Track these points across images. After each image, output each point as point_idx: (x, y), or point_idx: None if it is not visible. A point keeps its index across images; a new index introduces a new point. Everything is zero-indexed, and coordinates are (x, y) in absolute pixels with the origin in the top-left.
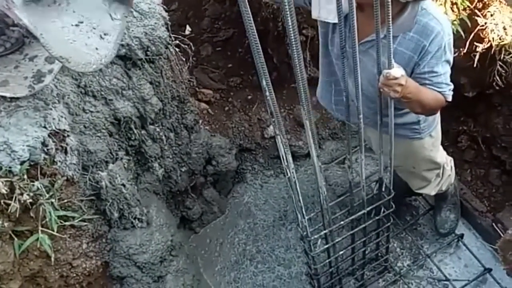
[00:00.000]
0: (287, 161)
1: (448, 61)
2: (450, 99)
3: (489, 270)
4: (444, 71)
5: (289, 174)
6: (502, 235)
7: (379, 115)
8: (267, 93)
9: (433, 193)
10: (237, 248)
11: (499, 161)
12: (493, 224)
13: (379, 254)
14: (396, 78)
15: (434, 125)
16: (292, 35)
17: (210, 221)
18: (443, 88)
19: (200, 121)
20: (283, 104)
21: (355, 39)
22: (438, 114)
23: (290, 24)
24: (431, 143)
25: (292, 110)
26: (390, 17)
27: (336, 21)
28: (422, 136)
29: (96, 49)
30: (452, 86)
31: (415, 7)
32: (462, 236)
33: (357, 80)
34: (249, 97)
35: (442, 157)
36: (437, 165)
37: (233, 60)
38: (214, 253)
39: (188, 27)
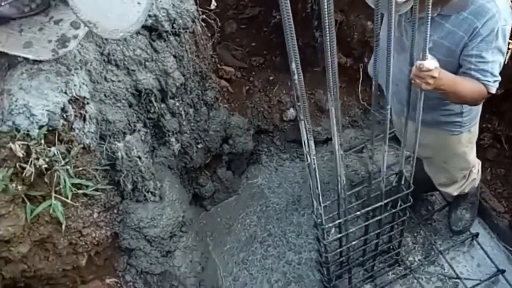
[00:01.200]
0: (308, 147)
1: (499, 49)
2: (493, 91)
3: (502, 271)
4: (493, 59)
5: (309, 160)
6: None
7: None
8: (296, 77)
9: (455, 193)
10: (248, 229)
11: None
12: (510, 225)
13: (391, 247)
14: (429, 70)
15: (475, 121)
16: (326, 18)
17: (222, 200)
18: (487, 77)
19: (220, 99)
20: (304, 88)
21: (392, 27)
22: (479, 110)
23: (325, 6)
24: (468, 138)
25: (314, 95)
26: (430, 7)
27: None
28: (462, 130)
29: (125, 15)
30: (498, 78)
31: None
32: (477, 235)
33: (389, 70)
34: (271, 78)
35: (474, 157)
36: (468, 165)
37: (257, 39)
38: (224, 233)
39: (213, 2)
